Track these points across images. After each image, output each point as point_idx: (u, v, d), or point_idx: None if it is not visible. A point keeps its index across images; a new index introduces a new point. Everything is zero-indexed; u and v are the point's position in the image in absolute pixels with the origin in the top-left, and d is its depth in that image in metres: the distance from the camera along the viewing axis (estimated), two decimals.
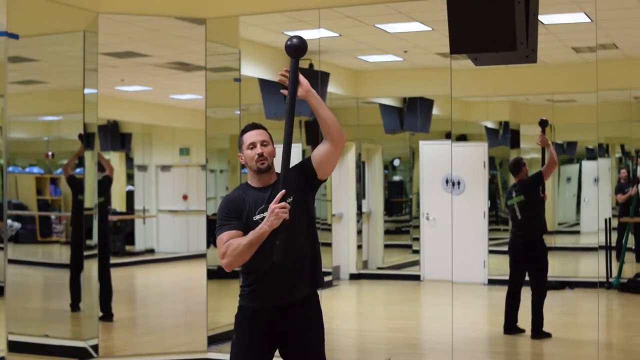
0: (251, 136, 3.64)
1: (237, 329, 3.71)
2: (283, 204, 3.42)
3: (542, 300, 7.10)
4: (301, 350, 3.67)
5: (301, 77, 3.69)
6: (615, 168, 9.23)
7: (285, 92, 3.69)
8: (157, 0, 7.14)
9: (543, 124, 7.47)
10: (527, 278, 7.33)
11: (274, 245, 3.44)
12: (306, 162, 3.69)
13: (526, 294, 7.24)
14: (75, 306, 7.23)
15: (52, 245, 8.21)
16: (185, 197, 11.45)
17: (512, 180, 7.65)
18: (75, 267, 7.27)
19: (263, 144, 3.62)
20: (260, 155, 3.60)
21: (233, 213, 3.58)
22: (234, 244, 3.47)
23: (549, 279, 8.35)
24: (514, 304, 7.27)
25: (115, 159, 11.97)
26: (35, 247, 8.21)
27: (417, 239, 10.40)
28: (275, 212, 3.40)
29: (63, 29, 7.03)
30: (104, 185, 7.92)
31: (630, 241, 8.68)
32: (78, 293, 7.21)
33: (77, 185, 7.30)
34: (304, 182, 3.65)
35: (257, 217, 3.55)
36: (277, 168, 3.62)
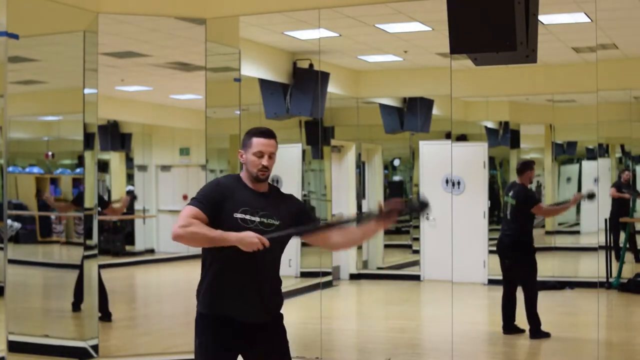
0: (261, 145, 3.57)
1: (201, 335, 3.63)
2: (265, 241, 3.37)
3: (533, 301, 7.07)
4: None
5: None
6: (615, 168, 9.23)
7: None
8: (157, 0, 7.14)
9: (591, 197, 7.54)
10: None
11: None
12: (303, 209, 3.76)
13: (521, 293, 7.24)
14: (77, 306, 7.23)
15: (52, 245, 8.20)
16: (185, 197, 11.42)
17: (513, 178, 7.64)
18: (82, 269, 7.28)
19: (270, 156, 3.58)
20: (265, 167, 3.57)
21: (215, 198, 3.50)
22: (198, 227, 3.38)
23: (548, 279, 8.38)
24: (509, 304, 7.25)
25: (115, 159, 11.98)
26: (35, 247, 8.20)
27: (417, 239, 10.40)
28: (253, 242, 3.34)
29: (63, 29, 7.03)
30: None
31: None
32: (82, 293, 7.21)
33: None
34: (294, 216, 3.64)
35: (238, 215, 3.49)
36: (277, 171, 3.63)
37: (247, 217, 3.50)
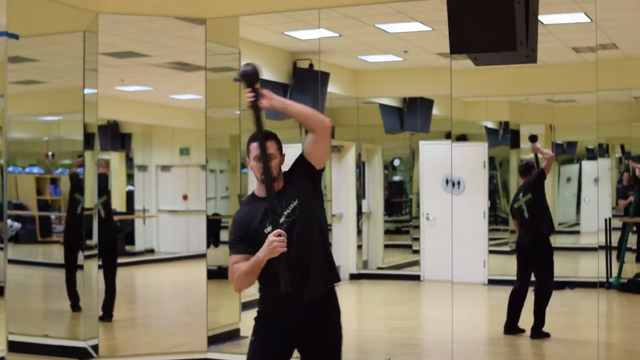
0: (256, 148, 3.56)
1: (254, 334, 3.70)
2: (280, 235, 3.41)
3: (546, 301, 7.12)
4: (319, 350, 3.68)
5: (263, 90, 3.60)
6: (615, 168, 9.23)
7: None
8: (157, 0, 7.14)
9: (532, 139, 7.59)
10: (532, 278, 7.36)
11: (281, 274, 3.45)
12: (299, 159, 3.69)
13: (529, 294, 7.25)
14: (75, 306, 7.23)
15: (52, 245, 8.20)
16: (185, 197, 11.43)
17: (513, 180, 7.67)
18: (70, 267, 7.28)
19: (270, 156, 3.57)
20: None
21: (239, 234, 3.58)
22: (238, 271, 3.51)
23: None
24: (518, 304, 7.26)
25: (115, 159, 11.97)
26: (35, 247, 8.20)
27: (417, 239, 10.40)
28: (272, 245, 3.40)
29: (63, 29, 7.03)
30: (101, 185, 7.91)
31: (631, 241, 8.68)
32: (75, 293, 7.21)
33: (77, 183, 7.30)
34: (303, 182, 3.64)
35: (268, 229, 3.51)
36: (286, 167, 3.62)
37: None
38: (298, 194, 3.58)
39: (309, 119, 3.68)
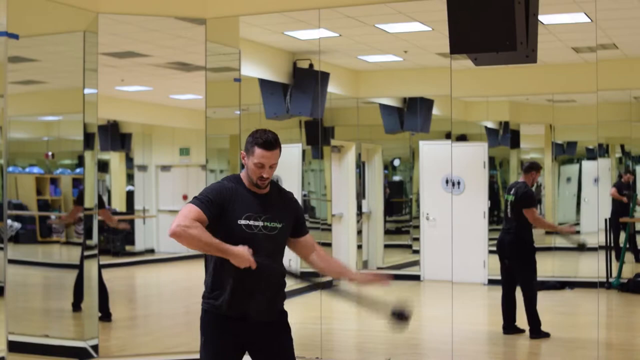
0: (263, 157, 3.52)
1: (206, 333, 3.69)
2: (254, 265, 3.43)
3: (532, 300, 7.10)
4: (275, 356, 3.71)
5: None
6: (615, 168, 9.22)
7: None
8: (157, 0, 7.14)
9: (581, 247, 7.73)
10: None
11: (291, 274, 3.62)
12: (299, 223, 3.75)
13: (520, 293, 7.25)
14: (77, 306, 7.23)
15: (52, 245, 8.19)
16: (185, 197, 11.42)
17: (513, 181, 7.68)
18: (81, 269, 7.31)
19: (272, 166, 3.56)
20: (265, 178, 3.56)
21: (218, 201, 3.50)
22: (198, 231, 3.36)
23: (548, 279, 8.36)
24: (510, 304, 7.27)
25: (115, 159, 11.97)
26: (35, 247, 8.20)
27: (417, 239, 10.39)
28: (244, 258, 3.39)
29: (63, 29, 7.03)
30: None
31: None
32: (81, 293, 7.22)
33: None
34: (291, 220, 3.70)
35: (242, 221, 3.52)
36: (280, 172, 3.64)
37: (251, 222, 3.53)
38: (285, 220, 3.64)
39: (321, 270, 3.87)
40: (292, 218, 3.67)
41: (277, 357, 3.70)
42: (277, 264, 3.65)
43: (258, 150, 3.53)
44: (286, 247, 3.76)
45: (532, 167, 7.49)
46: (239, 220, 3.51)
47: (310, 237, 3.79)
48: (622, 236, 8.73)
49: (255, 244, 3.48)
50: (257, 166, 3.54)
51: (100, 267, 7.84)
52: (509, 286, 7.30)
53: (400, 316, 3.60)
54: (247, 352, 3.71)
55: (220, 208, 3.49)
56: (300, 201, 9.27)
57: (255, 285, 3.55)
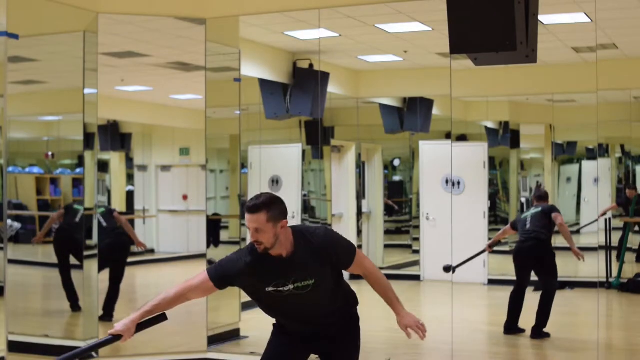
0: (247, 220, 3.42)
1: (273, 334, 3.77)
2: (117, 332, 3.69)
3: (551, 301, 7.18)
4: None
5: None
6: (615, 168, 9.22)
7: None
8: (157, 0, 7.14)
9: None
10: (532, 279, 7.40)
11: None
12: (335, 256, 3.57)
13: (529, 295, 7.25)
14: (75, 306, 7.22)
15: (52, 246, 8.19)
16: (185, 197, 11.42)
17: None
18: (63, 270, 7.35)
19: (256, 230, 3.38)
20: (258, 242, 3.42)
21: (225, 279, 3.52)
22: (157, 299, 3.71)
23: None
24: (518, 306, 7.30)
25: (115, 159, 11.97)
26: (35, 247, 8.20)
27: (417, 239, 10.39)
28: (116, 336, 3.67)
29: (63, 29, 7.04)
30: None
31: (631, 241, 8.68)
32: (73, 292, 7.23)
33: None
34: (326, 266, 3.55)
35: (270, 288, 3.48)
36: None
37: (280, 288, 3.48)
38: (316, 273, 3.51)
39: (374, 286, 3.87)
40: (327, 263, 3.52)
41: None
42: (322, 307, 3.63)
43: (246, 214, 3.43)
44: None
45: (544, 195, 7.79)
46: (267, 288, 3.49)
47: (360, 262, 3.69)
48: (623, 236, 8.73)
49: (289, 304, 3.52)
50: (249, 228, 3.44)
51: (124, 271, 7.93)
52: (521, 288, 7.35)
53: None
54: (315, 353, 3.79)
55: (233, 281, 3.54)
56: (300, 201, 9.28)
57: (303, 319, 3.65)
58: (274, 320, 3.78)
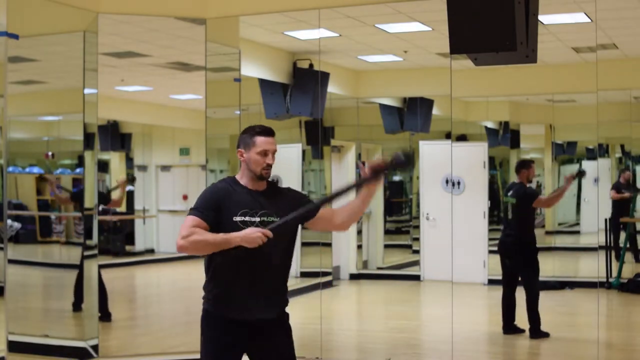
0: (266, 143, 3.60)
1: (206, 332, 3.69)
2: (267, 232, 3.40)
3: (535, 301, 7.11)
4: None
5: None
6: (615, 168, 9.23)
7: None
8: (157, 0, 7.14)
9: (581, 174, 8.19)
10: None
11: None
12: (310, 208, 3.64)
13: (521, 294, 7.24)
14: (77, 306, 7.22)
15: (52, 245, 8.19)
16: (185, 197, 11.43)
17: (513, 178, 7.68)
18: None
19: (274, 153, 3.63)
20: (269, 165, 3.60)
21: (213, 204, 3.53)
22: (199, 235, 3.42)
23: (548, 279, 8.36)
24: (510, 305, 7.28)
25: (115, 159, 11.97)
26: (35, 247, 8.20)
27: (417, 239, 10.40)
28: (256, 236, 3.37)
29: (63, 29, 7.03)
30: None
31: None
32: (82, 294, 7.22)
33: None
34: (293, 210, 3.60)
35: (238, 218, 3.52)
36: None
37: (247, 218, 3.53)
38: (284, 213, 3.55)
39: (355, 218, 3.79)
40: (294, 207, 3.60)
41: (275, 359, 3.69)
42: (278, 257, 3.61)
43: (260, 139, 3.60)
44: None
45: (522, 166, 7.47)
46: (234, 217, 3.52)
47: (327, 210, 3.73)
48: (622, 236, 8.73)
49: (248, 254, 3.45)
50: (262, 154, 3.58)
51: (100, 267, 7.85)
52: (509, 287, 7.31)
53: (400, 160, 3.63)
54: (245, 353, 3.70)
55: (217, 209, 3.52)
56: None
57: (256, 277, 3.53)
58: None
